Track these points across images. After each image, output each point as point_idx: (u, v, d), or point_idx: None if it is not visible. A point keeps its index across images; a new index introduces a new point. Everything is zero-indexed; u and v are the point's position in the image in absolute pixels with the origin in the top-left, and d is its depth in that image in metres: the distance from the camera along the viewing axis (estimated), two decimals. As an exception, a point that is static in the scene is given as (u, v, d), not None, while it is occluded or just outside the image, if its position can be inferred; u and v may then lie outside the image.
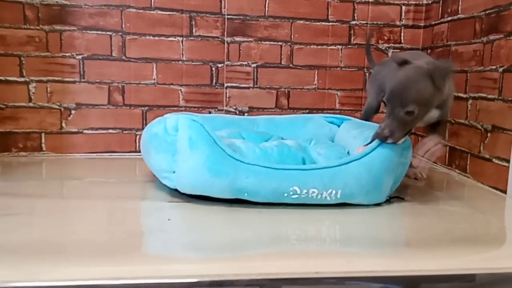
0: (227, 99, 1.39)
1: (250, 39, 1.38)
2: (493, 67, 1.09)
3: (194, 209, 0.87)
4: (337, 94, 1.45)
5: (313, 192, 0.86)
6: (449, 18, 1.30)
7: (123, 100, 1.34)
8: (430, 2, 1.42)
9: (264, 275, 0.61)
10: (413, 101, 0.85)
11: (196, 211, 0.86)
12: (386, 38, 1.44)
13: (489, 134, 1.10)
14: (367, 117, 1.21)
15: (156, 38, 1.33)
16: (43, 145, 1.31)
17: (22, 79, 1.27)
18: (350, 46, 1.43)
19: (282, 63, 1.41)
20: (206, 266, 0.64)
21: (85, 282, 0.58)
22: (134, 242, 0.73)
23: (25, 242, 0.69)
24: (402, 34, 1.45)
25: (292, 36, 1.40)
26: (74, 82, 1.31)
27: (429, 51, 1.41)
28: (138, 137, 1.35)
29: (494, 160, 1.08)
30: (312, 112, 1.43)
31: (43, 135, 1.30)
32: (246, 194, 0.86)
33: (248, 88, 1.40)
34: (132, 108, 1.35)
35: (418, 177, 1.09)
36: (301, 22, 1.40)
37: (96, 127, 1.33)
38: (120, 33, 1.31)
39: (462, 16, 1.23)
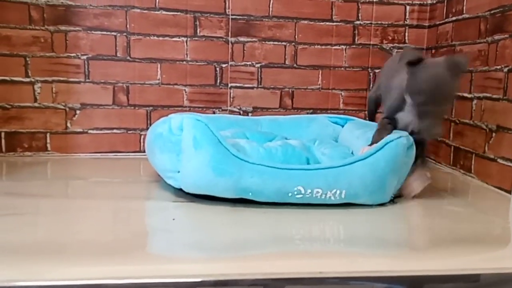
0: (231, 99, 1.40)
1: (254, 39, 1.38)
2: (498, 67, 1.09)
3: (198, 209, 0.87)
4: (341, 94, 1.45)
5: (318, 192, 0.86)
6: (454, 18, 1.29)
7: (128, 100, 1.34)
8: (434, 2, 1.41)
9: (268, 275, 0.61)
10: (451, 98, 0.93)
11: (201, 211, 0.87)
12: (390, 38, 1.44)
13: (493, 134, 1.09)
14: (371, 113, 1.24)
15: (161, 38, 1.34)
16: (48, 145, 1.31)
17: (27, 79, 1.28)
18: (354, 46, 1.43)
19: (286, 63, 1.41)
20: (210, 265, 0.64)
21: (89, 282, 0.58)
22: (138, 242, 0.73)
23: (30, 241, 0.69)
24: (406, 34, 1.45)
25: (296, 36, 1.40)
26: (79, 82, 1.31)
27: (433, 51, 1.41)
28: (142, 137, 1.35)
29: (498, 160, 1.07)
30: (316, 112, 1.43)
31: (48, 135, 1.31)
32: (250, 194, 0.86)
33: (252, 88, 1.40)
34: (137, 108, 1.35)
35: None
36: (305, 22, 1.40)
37: (101, 127, 1.34)
38: (125, 34, 1.32)
39: (467, 16, 1.23)
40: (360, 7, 1.41)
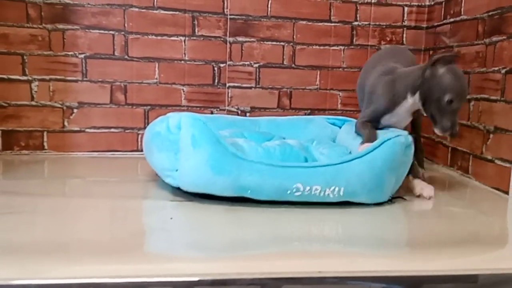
0: (229, 99, 1.39)
1: (252, 39, 1.38)
2: (496, 69, 1.09)
3: (196, 208, 0.87)
4: (339, 94, 1.45)
5: (316, 189, 0.86)
6: (452, 20, 1.30)
7: (125, 99, 1.34)
8: (432, 3, 1.42)
9: (267, 274, 0.61)
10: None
11: (199, 210, 0.86)
12: (388, 39, 1.44)
13: (491, 135, 1.10)
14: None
15: (159, 37, 1.33)
16: (45, 144, 1.31)
17: (24, 78, 1.27)
18: (352, 47, 1.43)
19: (284, 63, 1.41)
20: (208, 265, 0.64)
21: (87, 280, 0.58)
22: (136, 241, 0.73)
23: (28, 240, 0.69)
24: (404, 35, 1.45)
25: (294, 37, 1.40)
26: (76, 81, 1.31)
27: (431, 52, 1.41)
28: (140, 136, 1.35)
29: (496, 161, 1.07)
30: (314, 112, 1.43)
31: (45, 133, 1.30)
32: (249, 192, 0.86)
33: (250, 88, 1.40)
34: (134, 107, 1.35)
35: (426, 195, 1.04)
36: (304, 22, 1.40)
37: (98, 126, 1.33)
38: (123, 33, 1.31)
39: (465, 17, 1.23)
40: (358, 8, 1.42)
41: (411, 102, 0.98)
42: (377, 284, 0.64)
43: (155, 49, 1.34)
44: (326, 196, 0.86)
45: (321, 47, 1.42)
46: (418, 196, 0.98)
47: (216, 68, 1.37)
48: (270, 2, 1.37)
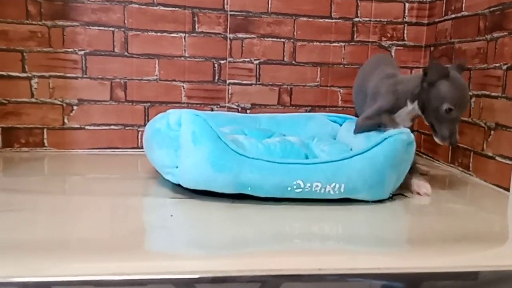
0: (230, 95, 1.39)
1: (252, 35, 1.38)
2: (497, 65, 1.09)
3: (196, 205, 0.87)
4: (339, 91, 1.44)
5: (317, 186, 0.86)
6: (453, 16, 1.29)
7: (125, 96, 1.34)
8: (433, -1, 1.41)
9: (267, 272, 0.61)
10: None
11: (199, 207, 0.86)
12: (389, 35, 1.44)
13: (492, 132, 1.09)
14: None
15: (159, 34, 1.33)
16: (45, 141, 1.31)
17: (24, 75, 1.27)
18: (353, 43, 1.43)
19: (285, 60, 1.41)
20: (208, 262, 0.64)
21: (87, 278, 0.58)
22: (136, 239, 0.73)
23: (28, 238, 0.69)
24: (405, 31, 1.44)
25: (295, 33, 1.40)
26: (76, 77, 1.30)
27: (432, 48, 1.41)
28: (140, 133, 1.35)
29: (497, 158, 1.07)
30: (315, 109, 1.43)
31: (45, 130, 1.30)
32: (249, 189, 0.86)
33: (251, 84, 1.40)
34: (134, 104, 1.35)
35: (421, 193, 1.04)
36: (304, 19, 1.39)
37: (98, 123, 1.33)
38: (123, 29, 1.31)
39: (466, 13, 1.23)
40: (359, 4, 1.41)
41: (410, 109, 1.00)
42: (378, 281, 0.64)
43: (155, 45, 1.33)
44: (326, 192, 0.86)
45: (322, 44, 1.41)
46: (418, 194, 0.98)
47: (216, 65, 1.37)
48: (270, -2, 1.37)
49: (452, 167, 1.25)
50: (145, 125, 1.22)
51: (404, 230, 0.85)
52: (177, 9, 1.33)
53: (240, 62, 1.38)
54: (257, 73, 1.40)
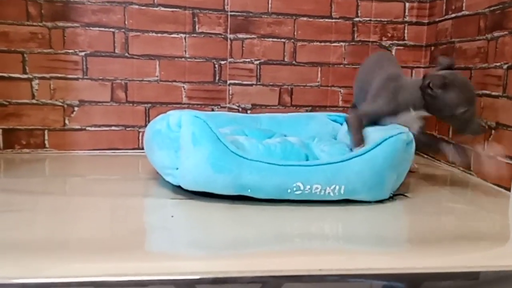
0: (230, 96, 1.39)
1: (253, 36, 1.38)
2: (498, 64, 1.09)
3: (197, 206, 0.87)
4: (340, 91, 1.44)
5: (317, 188, 0.85)
6: (453, 15, 1.29)
7: (126, 97, 1.34)
8: (434, -2, 1.41)
9: (268, 272, 0.61)
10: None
11: (199, 208, 0.86)
12: (389, 35, 1.44)
13: (493, 131, 1.09)
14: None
15: (159, 35, 1.33)
16: (46, 142, 1.31)
17: (25, 76, 1.27)
18: (353, 43, 1.43)
19: (285, 60, 1.41)
20: (209, 263, 0.64)
21: (87, 279, 0.58)
22: (137, 239, 0.73)
23: (28, 238, 0.69)
24: (405, 31, 1.44)
25: (295, 33, 1.40)
26: (77, 79, 1.31)
27: (432, 48, 1.41)
28: (141, 134, 1.35)
29: (498, 157, 1.07)
30: (315, 109, 1.43)
31: (46, 132, 1.30)
32: (249, 190, 0.86)
33: (251, 85, 1.40)
34: (135, 105, 1.35)
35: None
36: (305, 19, 1.39)
37: (99, 124, 1.33)
38: (123, 30, 1.31)
39: (466, 12, 1.23)
40: (359, 4, 1.41)
41: (414, 114, 1.01)
42: (378, 281, 0.64)
43: (156, 46, 1.33)
44: (326, 194, 0.86)
45: (322, 44, 1.41)
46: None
47: (216, 65, 1.37)
48: (270, -2, 1.37)
49: (452, 167, 1.25)
50: (145, 126, 1.22)
51: (404, 230, 0.85)
52: (177, 9, 1.33)
53: (241, 62, 1.38)
54: (258, 74, 1.40)
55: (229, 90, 1.39)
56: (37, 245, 0.67)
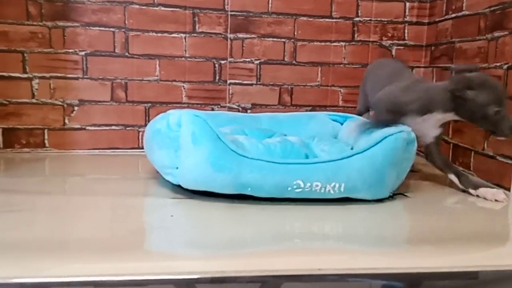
0: (230, 95, 1.39)
1: (253, 35, 1.38)
2: (498, 64, 1.09)
3: (197, 206, 0.87)
4: (340, 91, 1.44)
5: (317, 185, 0.85)
6: (453, 15, 1.29)
7: (126, 96, 1.34)
8: (434, -2, 1.41)
9: (267, 272, 0.61)
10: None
11: (199, 208, 0.86)
12: (390, 35, 1.44)
13: (493, 132, 1.09)
14: None
15: (159, 34, 1.33)
16: (46, 142, 1.31)
17: (25, 75, 1.27)
18: (353, 43, 1.43)
19: (285, 59, 1.41)
20: (208, 262, 0.64)
21: (87, 278, 0.58)
22: (136, 239, 0.73)
23: (28, 238, 0.69)
24: (406, 31, 1.44)
25: (295, 33, 1.40)
26: (77, 78, 1.31)
27: (433, 48, 1.41)
28: (141, 133, 1.35)
29: (498, 157, 1.07)
30: (315, 109, 1.43)
31: (46, 131, 1.30)
32: (249, 189, 0.86)
33: (251, 84, 1.40)
34: (135, 104, 1.35)
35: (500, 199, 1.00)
36: (305, 18, 1.39)
37: (99, 124, 1.33)
38: (123, 30, 1.31)
39: (467, 12, 1.23)
40: (359, 4, 1.41)
41: (440, 116, 0.99)
42: (377, 281, 0.64)
43: (156, 46, 1.33)
44: (326, 192, 0.86)
45: (322, 43, 1.41)
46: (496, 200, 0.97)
47: (217, 65, 1.37)
48: (270, -2, 1.37)
49: (453, 167, 1.25)
50: (145, 125, 1.22)
51: (404, 230, 0.85)
52: (177, 9, 1.33)
53: (241, 62, 1.38)
54: (258, 73, 1.40)
55: (229, 90, 1.39)
56: (36, 245, 0.67)
